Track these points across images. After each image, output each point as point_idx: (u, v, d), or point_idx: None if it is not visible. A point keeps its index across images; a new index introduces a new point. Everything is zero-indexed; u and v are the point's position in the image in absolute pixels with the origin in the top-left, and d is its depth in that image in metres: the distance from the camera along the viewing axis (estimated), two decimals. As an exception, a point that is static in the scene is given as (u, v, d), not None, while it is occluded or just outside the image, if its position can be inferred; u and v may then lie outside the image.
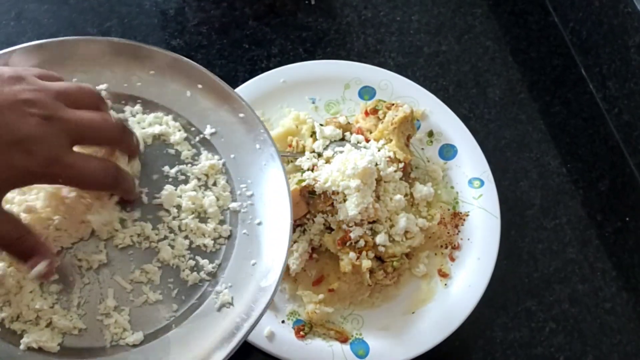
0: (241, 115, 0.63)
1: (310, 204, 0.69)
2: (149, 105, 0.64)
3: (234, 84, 0.77)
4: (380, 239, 0.67)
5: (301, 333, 0.66)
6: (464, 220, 0.73)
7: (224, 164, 0.64)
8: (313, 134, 0.74)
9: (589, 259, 0.76)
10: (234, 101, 0.64)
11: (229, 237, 0.61)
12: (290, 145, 0.74)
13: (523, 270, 0.75)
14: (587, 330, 0.72)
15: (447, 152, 0.77)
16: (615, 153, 0.84)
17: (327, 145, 0.73)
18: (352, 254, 0.66)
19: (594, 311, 0.73)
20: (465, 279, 0.70)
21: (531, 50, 0.91)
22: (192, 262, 0.59)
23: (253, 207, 0.62)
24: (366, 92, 0.80)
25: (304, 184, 0.68)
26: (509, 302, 0.73)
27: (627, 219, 0.79)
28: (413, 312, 0.68)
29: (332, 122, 0.75)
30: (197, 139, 0.64)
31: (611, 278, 0.75)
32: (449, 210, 0.74)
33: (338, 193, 0.67)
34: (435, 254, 0.72)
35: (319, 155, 0.72)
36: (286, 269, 0.68)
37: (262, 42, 0.85)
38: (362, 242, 0.67)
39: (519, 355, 0.70)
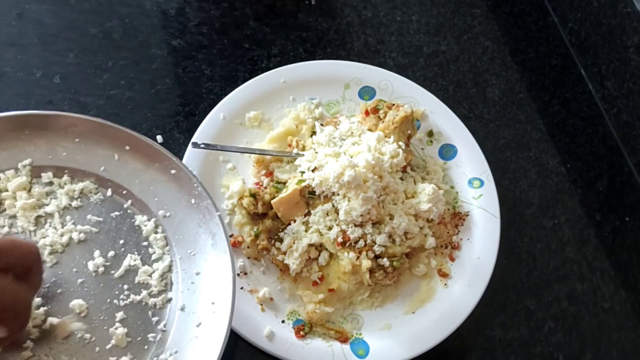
0: (172, 171, 0.63)
1: (310, 204, 0.69)
2: (77, 174, 0.64)
3: (234, 84, 0.78)
4: (380, 239, 0.67)
5: (301, 333, 0.66)
6: (464, 220, 0.73)
7: (159, 223, 0.63)
8: (313, 134, 0.75)
9: (587, 258, 0.77)
10: (164, 159, 0.63)
11: (169, 300, 0.61)
12: (290, 145, 0.74)
13: (522, 269, 0.75)
14: (585, 329, 0.73)
15: (447, 152, 0.78)
16: (614, 152, 0.84)
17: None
18: (352, 254, 0.66)
19: (592, 310, 0.74)
20: (465, 279, 0.70)
21: (530, 50, 0.91)
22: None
23: (195, 256, 0.62)
24: (366, 92, 0.80)
25: (304, 184, 0.68)
26: (508, 301, 0.73)
27: (626, 218, 0.80)
28: (413, 312, 0.69)
29: (332, 122, 0.75)
30: (130, 202, 0.64)
31: (609, 277, 0.76)
32: (449, 210, 0.74)
33: (338, 193, 0.67)
34: (435, 254, 0.72)
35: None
36: (286, 268, 0.68)
37: (263, 42, 0.85)
38: (362, 242, 0.67)
39: (518, 353, 0.71)
